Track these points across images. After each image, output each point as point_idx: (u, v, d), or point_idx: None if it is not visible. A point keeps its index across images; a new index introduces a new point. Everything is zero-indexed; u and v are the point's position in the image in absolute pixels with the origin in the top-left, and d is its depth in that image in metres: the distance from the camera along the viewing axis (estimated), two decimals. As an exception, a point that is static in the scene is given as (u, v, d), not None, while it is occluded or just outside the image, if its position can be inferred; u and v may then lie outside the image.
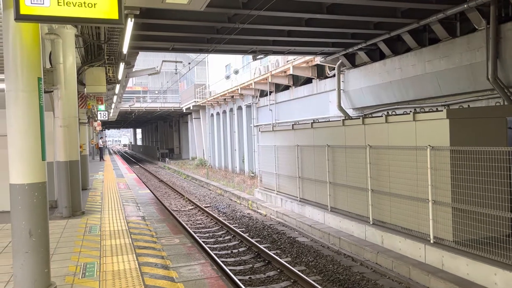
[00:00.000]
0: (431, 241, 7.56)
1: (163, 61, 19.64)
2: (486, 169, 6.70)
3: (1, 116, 7.62)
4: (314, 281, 7.41)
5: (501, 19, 9.30)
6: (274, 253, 9.22)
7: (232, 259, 9.21)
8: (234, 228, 11.68)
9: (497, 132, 7.52)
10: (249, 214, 14.38)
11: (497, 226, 6.61)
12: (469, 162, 6.91)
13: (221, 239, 11.17)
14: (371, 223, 9.20)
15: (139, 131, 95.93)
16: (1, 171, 8.50)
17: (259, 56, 14.16)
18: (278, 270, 8.29)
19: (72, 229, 8.08)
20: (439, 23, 10.31)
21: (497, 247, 6.44)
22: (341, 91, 15.15)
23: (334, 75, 15.62)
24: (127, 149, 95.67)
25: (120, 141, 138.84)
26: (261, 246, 9.64)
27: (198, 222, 13.48)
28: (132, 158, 55.94)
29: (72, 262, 5.96)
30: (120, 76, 14.98)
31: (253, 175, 24.48)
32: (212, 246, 10.33)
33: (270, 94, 22.44)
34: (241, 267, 8.62)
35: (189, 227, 12.42)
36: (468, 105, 10.06)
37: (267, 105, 22.79)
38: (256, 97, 24.67)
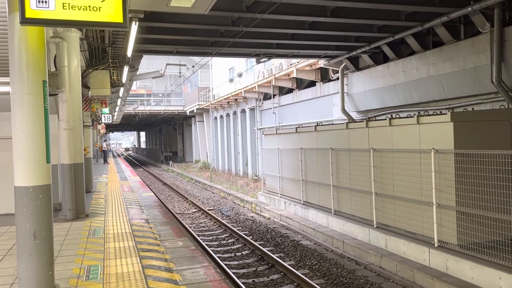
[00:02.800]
0: (436, 245, 7.52)
1: (167, 64, 19.70)
2: (490, 172, 6.67)
3: (6, 119, 7.69)
4: (317, 284, 7.39)
5: (506, 22, 9.28)
6: (277, 256, 9.20)
7: (236, 262, 9.20)
8: (238, 231, 11.67)
9: (501, 135, 7.49)
10: (252, 217, 14.37)
11: (502, 230, 6.57)
12: (474, 165, 6.88)
13: (224, 242, 11.16)
14: (375, 226, 9.18)
15: (142, 134, 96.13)
16: (5, 174, 8.57)
17: (262, 59, 14.19)
18: (282, 273, 8.27)
19: (76, 232, 8.11)
20: (443, 26, 10.30)
21: (502, 251, 6.41)
22: (345, 94, 15.15)
23: (337, 78, 15.62)
24: (131, 153, 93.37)
25: (121, 144, 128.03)
26: (264, 249, 9.62)
27: (201, 225, 13.48)
28: (136, 161, 56.08)
29: (76, 265, 5.97)
30: (124, 79, 15.05)
31: (256, 178, 24.47)
32: (215, 249, 10.33)
33: (273, 97, 22.46)
34: (244, 270, 8.61)
35: (193, 230, 12.42)
36: (473, 108, 10.04)
37: (271, 108, 22.81)
38: (260, 100, 24.70)
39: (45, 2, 3.86)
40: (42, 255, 4.55)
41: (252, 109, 26.21)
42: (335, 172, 10.93)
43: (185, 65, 27.92)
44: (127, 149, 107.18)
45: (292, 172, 13.51)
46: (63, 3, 3.91)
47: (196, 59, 37.86)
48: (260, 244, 10.32)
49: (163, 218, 10.03)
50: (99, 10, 4.03)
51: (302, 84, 19.82)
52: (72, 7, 3.95)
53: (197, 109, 37.06)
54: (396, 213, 8.71)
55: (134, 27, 8.15)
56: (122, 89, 18.62)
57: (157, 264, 6.06)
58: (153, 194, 15.43)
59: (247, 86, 24.72)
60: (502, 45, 9.17)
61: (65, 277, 5.43)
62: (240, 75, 28.54)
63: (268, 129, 20.73)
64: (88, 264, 6.00)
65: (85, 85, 13.10)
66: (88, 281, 5.31)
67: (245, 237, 10.94)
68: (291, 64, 19.28)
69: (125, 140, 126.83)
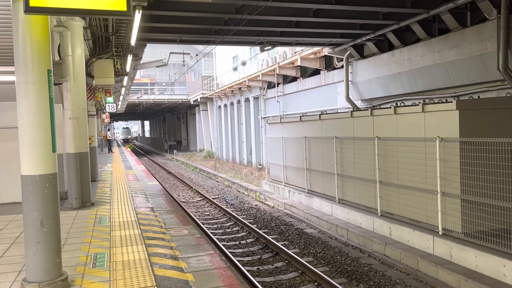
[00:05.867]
0: (440, 233, 7.54)
1: (170, 53, 19.64)
2: (495, 160, 6.64)
3: (10, 109, 7.71)
4: (322, 272, 7.44)
5: (513, 9, 9.16)
6: (282, 244, 9.25)
7: (240, 250, 9.27)
8: (242, 220, 11.73)
9: (507, 123, 7.44)
10: (256, 205, 14.43)
11: (506, 218, 6.57)
12: (479, 153, 6.86)
13: (229, 230, 11.23)
14: (379, 214, 9.19)
15: (147, 123, 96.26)
16: (12, 163, 8.63)
17: (266, 48, 14.09)
18: (286, 261, 8.33)
19: (82, 220, 8.18)
20: (449, 13, 10.18)
21: (506, 238, 6.42)
22: (349, 82, 15.06)
23: (342, 66, 15.52)
24: (136, 142, 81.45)
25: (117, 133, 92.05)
26: (269, 237, 9.68)
27: (206, 213, 13.56)
28: (140, 150, 56.27)
29: (82, 252, 6.03)
30: (128, 68, 15.02)
31: (260, 167, 24.51)
32: (220, 237, 10.40)
33: (277, 86, 22.36)
34: (249, 258, 8.67)
35: (198, 218, 12.50)
36: (478, 96, 9.97)
37: (275, 96, 22.73)
38: (264, 88, 24.61)
39: (49, -10, 3.85)
40: (49, 243, 4.60)
41: (256, 98, 26.13)
42: (339, 160, 10.93)
43: (188, 53, 27.77)
44: (126, 140, 78.56)
45: (296, 161, 13.52)
46: (66, -8, 3.90)
47: (200, 47, 37.71)
48: (264, 232, 10.38)
49: (168, 207, 10.09)
50: (103, -2, 4.02)
51: (306, 72, 19.71)
52: (75, -5, 3.94)
53: (201, 98, 37.00)
54: (400, 201, 8.72)
55: (138, 16, 8.11)
56: (126, 78, 18.62)
57: (163, 252, 6.11)
58: (158, 182, 15.49)
59: (251, 75, 24.61)
60: (509, 32, 9.06)
61: (72, 264, 5.49)
62: (243, 63, 28.40)
63: (272, 118, 20.69)
64: (94, 252, 6.06)
65: (89, 74, 13.11)
66: (95, 268, 5.37)
67: (250, 225, 11.00)
68: (295, 52, 19.16)
69: (122, 129, 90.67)
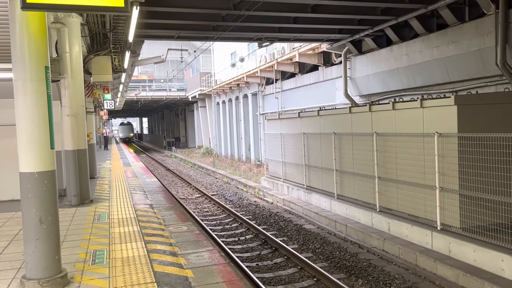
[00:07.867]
0: (438, 228, 7.56)
1: (168, 49, 19.59)
2: (494, 155, 6.65)
3: (8, 106, 7.68)
4: (321, 267, 7.46)
5: (511, 4, 9.14)
6: (281, 240, 9.27)
7: (240, 246, 9.28)
8: (241, 216, 11.74)
9: (506, 118, 7.45)
10: (255, 202, 14.44)
11: (505, 213, 6.59)
12: (477, 148, 6.87)
13: (228, 226, 11.24)
14: (377, 210, 9.21)
15: (145, 120, 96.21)
16: (10, 161, 8.61)
17: (264, 44, 14.06)
18: (285, 257, 8.35)
19: (81, 217, 8.18)
20: (448, 8, 10.17)
21: (504, 233, 6.43)
22: (348, 78, 15.05)
23: (340, 62, 15.50)
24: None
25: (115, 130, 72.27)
26: (268, 233, 9.69)
27: (205, 210, 13.57)
28: (138, 147, 56.22)
29: (82, 249, 6.04)
30: (126, 65, 14.97)
31: (259, 163, 24.52)
32: (219, 233, 10.41)
33: (276, 82, 22.33)
34: (248, 254, 8.69)
35: (197, 214, 12.51)
36: (477, 91, 9.97)
37: (273, 93, 22.70)
38: (262, 85, 24.58)
39: (46, -14, 3.83)
40: (48, 240, 4.60)
41: (254, 94, 26.10)
42: (338, 156, 10.93)
43: (186, 50, 27.74)
44: (128, 140, 64.57)
45: (295, 157, 13.52)
46: (63, -12, 3.88)
47: (198, 44, 37.58)
48: (263, 228, 10.39)
49: (167, 203, 10.10)
50: (100, -6, 4.00)
51: (305, 68, 19.68)
52: (72, -8, 3.92)
53: (199, 94, 36.94)
54: (399, 197, 8.73)
55: (135, 12, 8.06)
56: (123, 75, 18.54)
57: (162, 249, 6.12)
58: (156, 179, 15.51)
59: (249, 71, 24.57)
60: (507, 27, 9.05)
61: (72, 261, 5.50)
62: (242, 59, 28.33)
63: (271, 114, 20.68)
64: (94, 248, 6.07)
65: (87, 71, 13.05)
66: (95, 265, 5.37)
67: (249, 221, 11.02)
68: (293, 48, 19.12)
69: (121, 125, 70.62)
